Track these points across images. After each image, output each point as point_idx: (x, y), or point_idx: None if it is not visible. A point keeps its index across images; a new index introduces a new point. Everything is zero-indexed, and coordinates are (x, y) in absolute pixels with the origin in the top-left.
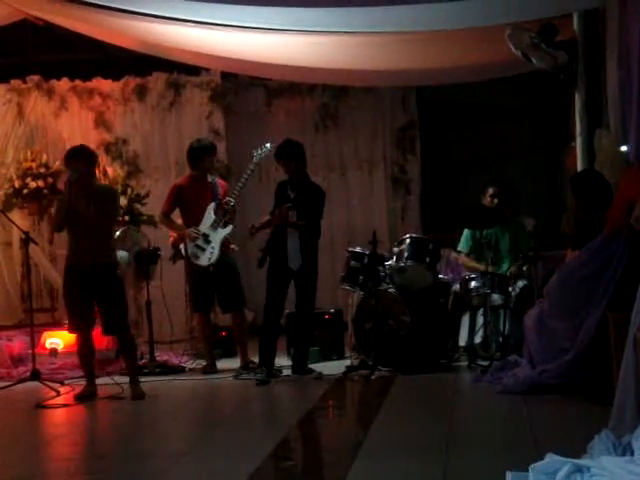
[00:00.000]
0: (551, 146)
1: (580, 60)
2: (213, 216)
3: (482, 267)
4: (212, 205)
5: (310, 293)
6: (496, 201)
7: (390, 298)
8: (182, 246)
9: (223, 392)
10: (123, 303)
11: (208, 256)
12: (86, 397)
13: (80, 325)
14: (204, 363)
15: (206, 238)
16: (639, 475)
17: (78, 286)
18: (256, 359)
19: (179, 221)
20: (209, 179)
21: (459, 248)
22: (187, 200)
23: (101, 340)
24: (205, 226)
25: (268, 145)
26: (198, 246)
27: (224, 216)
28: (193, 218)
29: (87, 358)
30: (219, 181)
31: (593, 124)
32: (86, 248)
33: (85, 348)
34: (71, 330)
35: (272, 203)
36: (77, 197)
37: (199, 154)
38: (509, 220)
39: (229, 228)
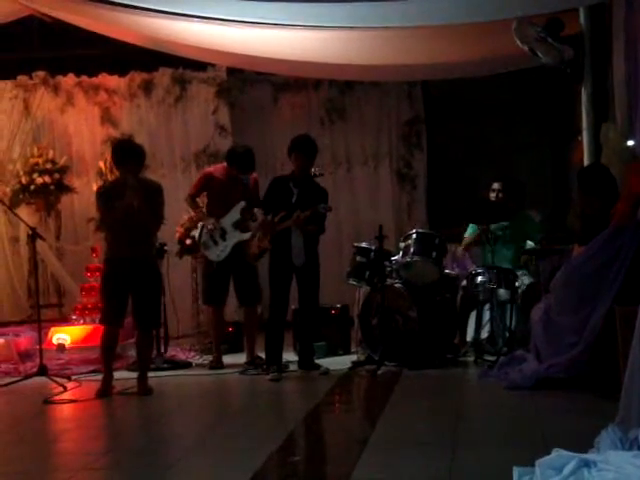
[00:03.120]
0: (557, 140)
1: (586, 54)
2: (238, 215)
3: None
4: (242, 204)
5: (315, 289)
6: (501, 195)
7: (396, 293)
8: (197, 231)
9: (230, 387)
10: (159, 299)
11: (218, 252)
12: (107, 393)
13: (112, 319)
14: (211, 358)
15: (223, 234)
16: None
17: (117, 279)
18: (262, 354)
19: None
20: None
21: (465, 235)
22: (215, 189)
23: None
24: (227, 222)
25: (318, 170)
26: (213, 238)
27: (249, 219)
28: (217, 208)
29: (110, 352)
30: (252, 176)
31: (599, 118)
32: (130, 241)
33: (110, 342)
34: (102, 322)
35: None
36: (134, 192)
37: (243, 163)
38: (515, 214)
39: (248, 234)
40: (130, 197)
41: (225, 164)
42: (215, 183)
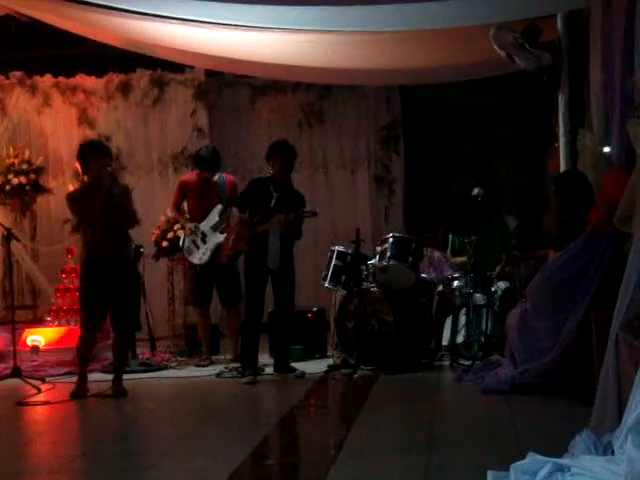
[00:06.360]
0: (534, 146)
1: (563, 61)
2: (217, 218)
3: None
4: (219, 207)
5: (290, 292)
6: (480, 200)
7: (373, 297)
8: (181, 238)
9: (205, 390)
10: (138, 302)
11: (200, 255)
12: (81, 395)
13: (91, 322)
14: (186, 360)
15: (204, 237)
16: (619, 474)
17: (96, 282)
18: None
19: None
20: (216, 177)
21: (447, 253)
22: (190, 195)
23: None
24: (206, 226)
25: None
26: (194, 242)
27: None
28: (195, 213)
29: (86, 355)
30: (227, 177)
31: (576, 125)
32: (107, 244)
33: (87, 345)
34: (82, 327)
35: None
36: (109, 192)
37: (208, 163)
38: (493, 221)
39: (225, 235)
40: (108, 184)
41: (197, 171)
42: (189, 190)
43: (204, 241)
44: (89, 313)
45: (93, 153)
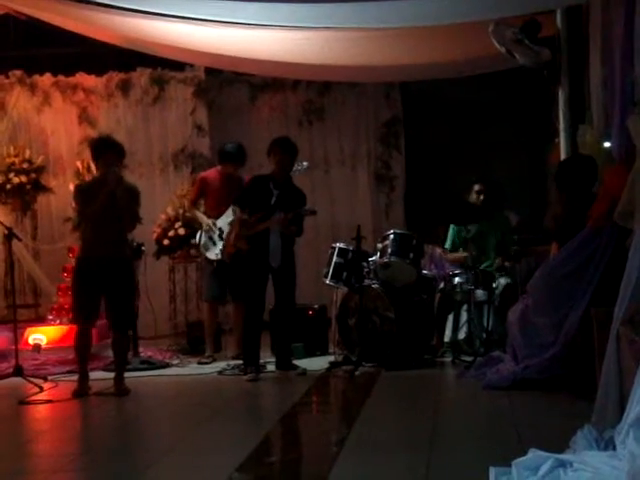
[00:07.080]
0: (535, 142)
1: (563, 56)
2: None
3: (466, 254)
4: None
5: (291, 289)
6: (482, 198)
7: (374, 294)
8: (197, 234)
9: (207, 388)
10: (133, 299)
11: (217, 251)
12: (83, 393)
13: (84, 317)
14: (188, 357)
15: (221, 234)
16: (621, 470)
17: (90, 278)
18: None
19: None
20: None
21: (445, 246)
22: (210, 192)
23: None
24: (224, 222)
25: (305, 163)
26: (211, 239)
27: None
28: (213, 210)
29: (84, 352)
30: (246, 176)
31: (576, 120)
32: (103, 242)
33: (83, 341)
34: (74, 321)
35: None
36: (115, 180)
37: (236, 156)
38: (494, 216)
39: None
40: (112, 184)
41: (218, 167)
42: (209, 186)
43: (221, 237)
44: (81, 308)
45: (102, 150)
